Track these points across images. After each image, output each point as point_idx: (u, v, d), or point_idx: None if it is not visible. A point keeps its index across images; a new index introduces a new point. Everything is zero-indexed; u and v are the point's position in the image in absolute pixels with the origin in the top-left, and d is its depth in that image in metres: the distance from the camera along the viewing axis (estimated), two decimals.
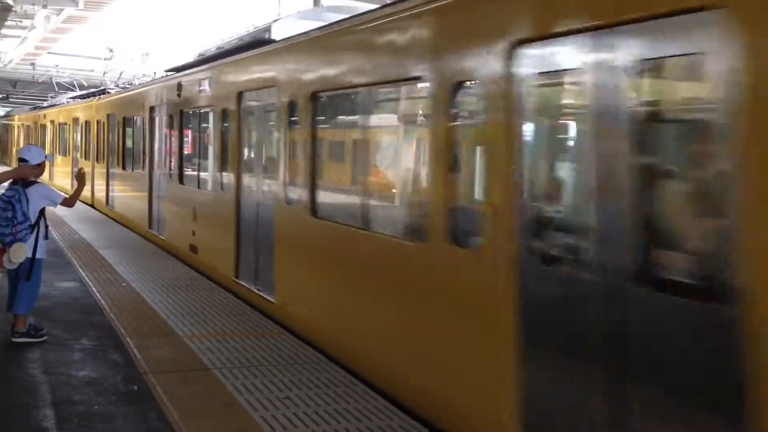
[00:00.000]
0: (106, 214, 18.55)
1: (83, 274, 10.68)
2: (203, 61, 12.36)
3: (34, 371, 6.48)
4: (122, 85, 24.12)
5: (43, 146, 26.92)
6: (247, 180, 9.73)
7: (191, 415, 5.52)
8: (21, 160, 7.56)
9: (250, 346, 7.31)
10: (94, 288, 9.76)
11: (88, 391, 6.02)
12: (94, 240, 14.07)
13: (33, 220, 7.26)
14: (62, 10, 29.19)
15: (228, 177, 10.28)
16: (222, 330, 7.89)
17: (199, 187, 12.05)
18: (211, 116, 11.35)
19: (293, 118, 8.13)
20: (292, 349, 7.23)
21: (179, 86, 12.89)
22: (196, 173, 12.46)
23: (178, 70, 13.95)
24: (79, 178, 8.12)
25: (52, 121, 28.71)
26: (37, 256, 7.33)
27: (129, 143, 17.07)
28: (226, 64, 10.79)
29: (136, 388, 6.10)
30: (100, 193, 19.83)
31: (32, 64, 42.78)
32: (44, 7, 27.64)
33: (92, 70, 39.60)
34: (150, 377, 6.33)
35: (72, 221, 16.37)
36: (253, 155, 9.80)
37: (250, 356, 6.98)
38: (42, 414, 5.51)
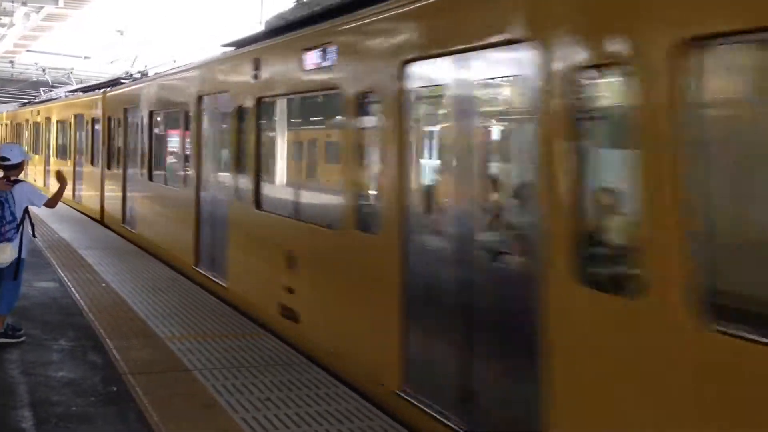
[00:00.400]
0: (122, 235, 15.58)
1: (62, 274, 10.59)
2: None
3: (12, 372, 6.42)
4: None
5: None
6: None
7: (171, 417, 5.49)
8: (2, 158, 7.49)
9: (231, 347, 7.29)
10: (73, 288, 9.68)
11: (67, 392, 5.97)
12: (74, 240, 13.96)
13: (19, 220, 7.22)
14: (42, 7, 28.96)
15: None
16: (203, 331, 7.86)
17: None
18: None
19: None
20: (274, 351, 7.22)
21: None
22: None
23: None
24: (59, 178, 8.07)
25: (37, 121, 26.25)
26: (22, 255, 7.31)
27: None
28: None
29: (115, 389, 6.06)
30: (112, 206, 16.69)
31: (11, 62, 42.39)
32: (24, 4, 27.40)
33: (72, 69, 39.29)
34: (130, 378, 6.29)
35: (51, 221, 16.23)
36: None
37: (231, 357, 6.96)
38: (20, 415, 5.46)
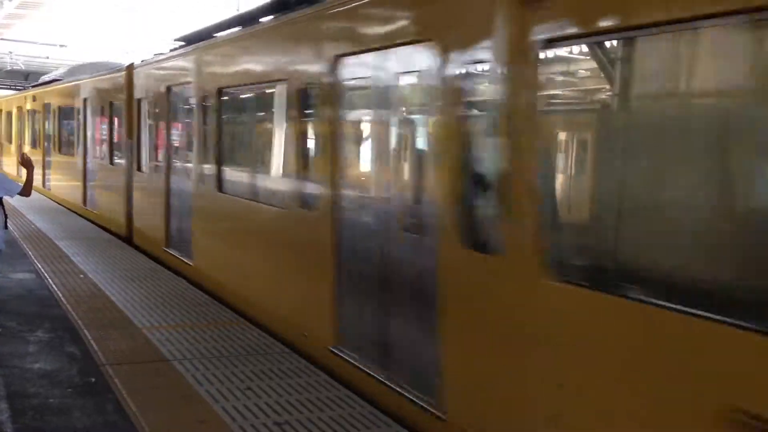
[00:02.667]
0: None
1: (39, 265, 10.46)
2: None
3: None
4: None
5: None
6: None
7: (150, 408, 5.43)
8: None
9: (211, 336, 7.23)
10: (50, 279, 9.57)
11: (44, 383, 5.89)
12: (50, 230, 13.80)
13: None
14: None
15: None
16: (182, 321, 7.79)
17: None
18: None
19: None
20: (254, 339, 7.17)
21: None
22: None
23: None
24: (25, 164, 7.92)
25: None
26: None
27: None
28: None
29: (93, 380, 5.99)
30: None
31: None
32: None
33: (47, 57, 38.82)
34: (108, 369, 6.22)
35: (27, 211, 16.04)
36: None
37: (210, 347, 6.90)
38: None
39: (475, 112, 4.98)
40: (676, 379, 3.42)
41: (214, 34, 10.02)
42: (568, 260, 4.17)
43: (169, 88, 11.15)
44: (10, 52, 40.08)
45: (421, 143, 5.63)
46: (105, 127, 15.14)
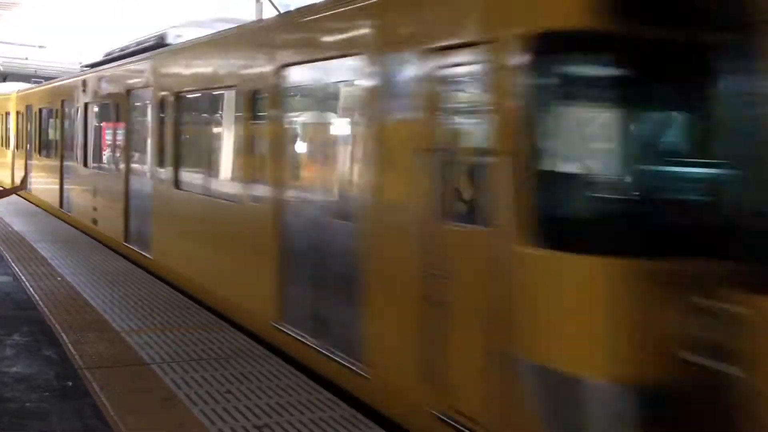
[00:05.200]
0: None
1: (16, 268, 10.35)
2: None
3: None
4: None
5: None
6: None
7: (129, 411, 5.39)
8: None
9: (190, 339, 7.19)
10: (27, 282, 9.47)
11: (21, 387, 5.82)
12: (28, 233, 13.67)
13: None
14: None
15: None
16: (161, 324, 7.74)
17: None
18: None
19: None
20: (234, 342, 7.14)
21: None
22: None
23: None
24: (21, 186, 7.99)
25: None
26: None
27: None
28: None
29: (71, 384, 5.93)
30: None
31: None
32: None
33: (26, 59, 38.43)
34: (86, 373, 6.16)
35: (4, 214, 15.88)
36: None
37: (189, 350, 6.86)
38: None
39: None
40: None
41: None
42: None
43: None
44: None
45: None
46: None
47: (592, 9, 4.01)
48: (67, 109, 15.91)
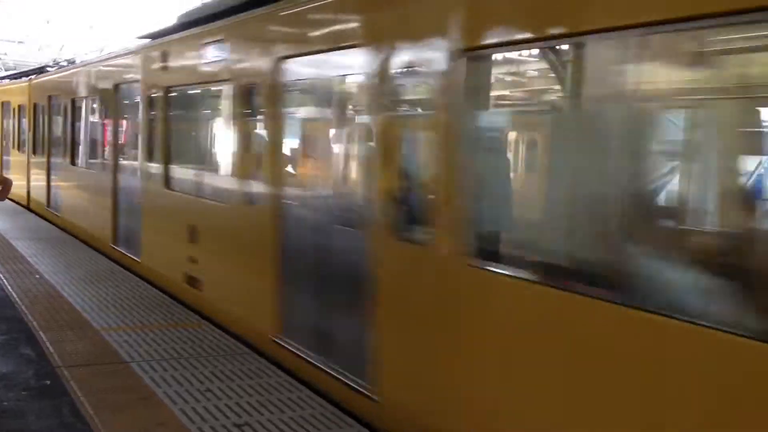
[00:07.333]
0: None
1: None
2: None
3: None
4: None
5: None
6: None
7: (107, 410, 5.34)
8: None
9: (170, 337, 7.14)
10: (5, 280, 9.37)
11: None
12: (7, 231, 13.53)
13: None
14: None
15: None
16: (140, 322, 7.69)
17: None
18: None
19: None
20: (214, 341, 7.10)
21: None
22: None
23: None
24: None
25: None
26: None
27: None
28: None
29: (49, 382, 5.88)
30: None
31: None
32: None
33: (5, 54, 38.04)
34: (64, 371, 6.11)
35: None
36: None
37: (169, 348, 6.82)
38: None
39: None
40: None
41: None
42: None
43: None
44: None
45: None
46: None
47: None
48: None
